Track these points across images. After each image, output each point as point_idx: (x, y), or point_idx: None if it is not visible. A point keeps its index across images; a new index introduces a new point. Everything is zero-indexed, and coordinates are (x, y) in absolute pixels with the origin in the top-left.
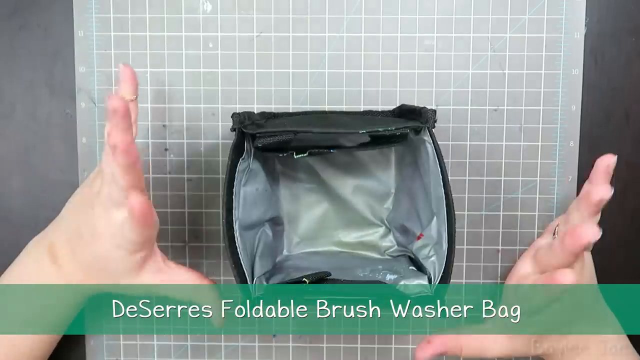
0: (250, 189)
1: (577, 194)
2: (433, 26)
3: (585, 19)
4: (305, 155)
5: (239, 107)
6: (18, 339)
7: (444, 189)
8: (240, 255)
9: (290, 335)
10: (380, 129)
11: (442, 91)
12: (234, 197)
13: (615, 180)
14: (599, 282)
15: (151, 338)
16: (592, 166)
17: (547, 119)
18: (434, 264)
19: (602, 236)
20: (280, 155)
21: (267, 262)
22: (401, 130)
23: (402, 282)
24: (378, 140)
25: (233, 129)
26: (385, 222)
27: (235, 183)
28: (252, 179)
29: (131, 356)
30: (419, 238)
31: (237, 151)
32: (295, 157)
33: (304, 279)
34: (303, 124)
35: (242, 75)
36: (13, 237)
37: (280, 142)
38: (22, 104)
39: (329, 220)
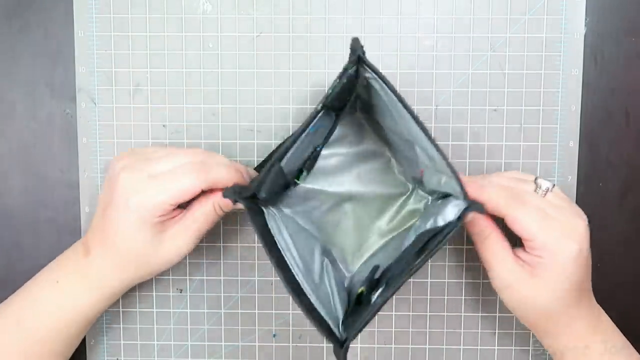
0: (298, 240)
1: (577, 194)
2: (433, 26)
3: (585, 19)
4: (305, 174)
5: (239, 107)
6: (34, 350)
7: (406, 109)
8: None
9: (290, 335)
10: (329, 92)
11: (442, 91)
12: (285, 259)
13: (615, 180)
14: (598, 281)
15: (151, 338)
16: (592, 166)
17: (547, 119)
18: (448, 183)
19: (602, 236)
20: (286, 191)
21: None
22: (343, 77)
23: (439, 222)
24: (335, 102)
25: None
26: (404, 179)
27: (279, 247)
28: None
29: (131, 356)
30: (422, 174)
31: (258, 216)
32: (299, 182)
33: None
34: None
35: (242, 75)
36: (13, 237)
37: (275, 179)
38: (22, 104)
39: (362, 220)
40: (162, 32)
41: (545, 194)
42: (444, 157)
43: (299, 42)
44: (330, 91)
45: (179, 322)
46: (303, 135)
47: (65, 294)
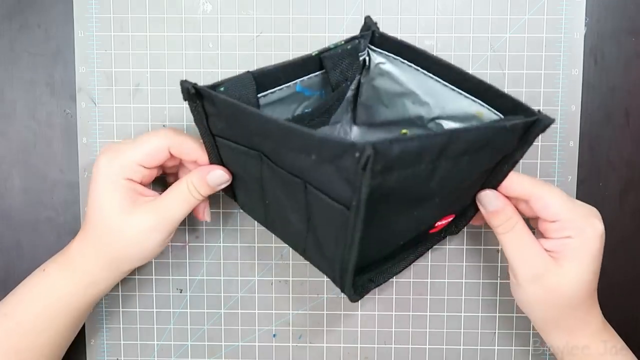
0: None
1: (577, 194)
2: (433, 26)
3: (585, 19)
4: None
5: None
6: (22, 345)
7: (431, 58)
8: None
9: (290, 335)
10: (330, 46)
11: None
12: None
13: (615, 180)
14: (598, 281)
15: (151, 338)
16: (592, 166)
17: None
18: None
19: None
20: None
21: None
22: (348, 43)
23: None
24: (334, 69)
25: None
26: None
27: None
28: None
29: (131, 356)
30: None
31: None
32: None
33: None
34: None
35: None
36: (13, 237)
37: (239, 83)
38: (22, 104)
39: None
40: (162, 32)
41: None
42: (485, 88)
43: (299, 42)
44: (332, 46)
45: (179, 322)
46: (291, 83)
47: (50, 282)
